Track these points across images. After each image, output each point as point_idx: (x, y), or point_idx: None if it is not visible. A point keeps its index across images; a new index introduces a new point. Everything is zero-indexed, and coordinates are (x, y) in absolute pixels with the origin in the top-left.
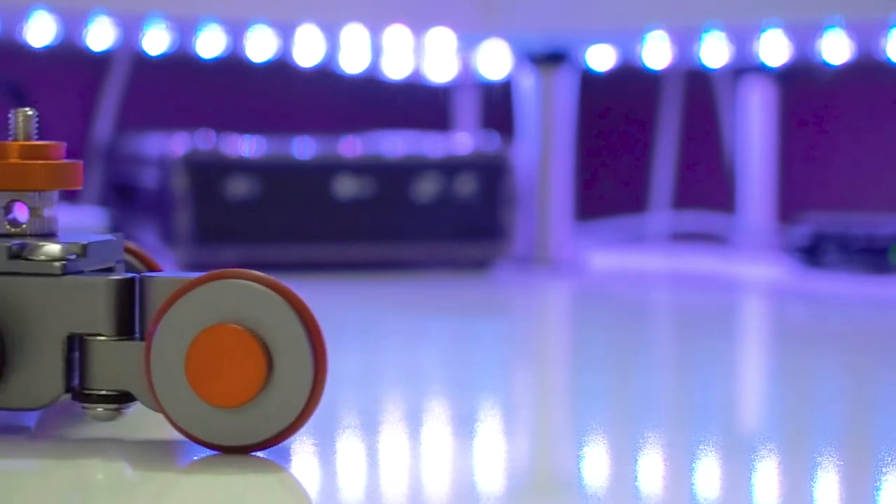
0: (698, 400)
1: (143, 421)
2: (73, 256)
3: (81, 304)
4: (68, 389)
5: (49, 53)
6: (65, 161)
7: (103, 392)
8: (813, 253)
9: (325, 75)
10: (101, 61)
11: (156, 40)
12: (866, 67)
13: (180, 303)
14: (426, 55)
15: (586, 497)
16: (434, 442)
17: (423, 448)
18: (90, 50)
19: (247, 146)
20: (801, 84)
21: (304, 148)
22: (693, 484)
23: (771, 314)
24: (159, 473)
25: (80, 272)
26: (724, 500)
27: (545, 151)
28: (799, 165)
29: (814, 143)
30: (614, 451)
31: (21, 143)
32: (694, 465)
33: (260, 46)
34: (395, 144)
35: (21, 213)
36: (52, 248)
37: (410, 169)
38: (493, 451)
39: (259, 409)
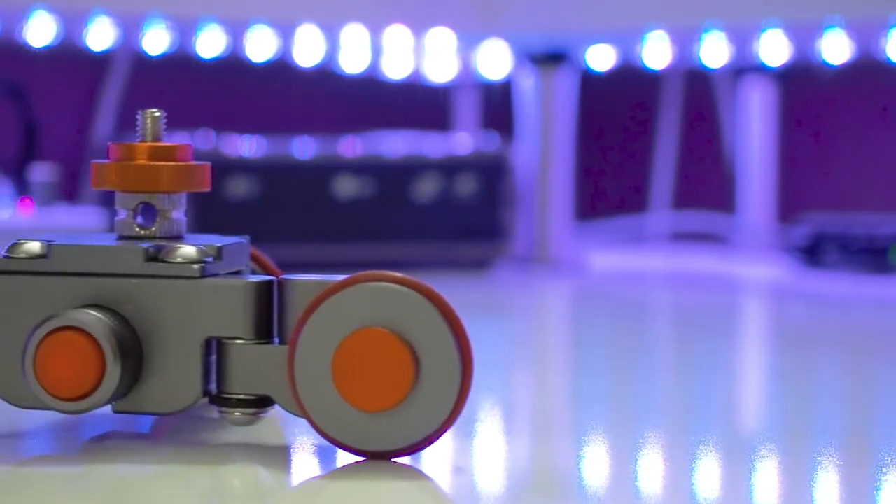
0: (698, 400)
1: (279, 426)
2: (209, 259)
3: (220, 307)
4: (205, 393)
5: (49, 53)
6: (193, 163)
7: (241, 396)
8: (813, 253)
9: (325, 75)
10: (101, 61)
11: (156, 40)
12: (866, 67)
13: (325, 306)
14: (426, 55)
15: (586, 497)
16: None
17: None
18: (90, 50)
19: (247, 146)
20: (801, 84)
21: (304, 148)
22: (693, 484)
23: (771, 314)
24: (300, 480)
25: (216, 275)
26: (724, 501)
27: (545, 151)
28: (799, 165)
29: (814, 143)
30: (614, 452)
31: (149, 144)
32: (694, 465)
33: (260, 46)
34: (395, 144)
35: (149, 215)
36: (189, 251)
37: (410, 169)
38: (494, 451)
39: (405, 413)
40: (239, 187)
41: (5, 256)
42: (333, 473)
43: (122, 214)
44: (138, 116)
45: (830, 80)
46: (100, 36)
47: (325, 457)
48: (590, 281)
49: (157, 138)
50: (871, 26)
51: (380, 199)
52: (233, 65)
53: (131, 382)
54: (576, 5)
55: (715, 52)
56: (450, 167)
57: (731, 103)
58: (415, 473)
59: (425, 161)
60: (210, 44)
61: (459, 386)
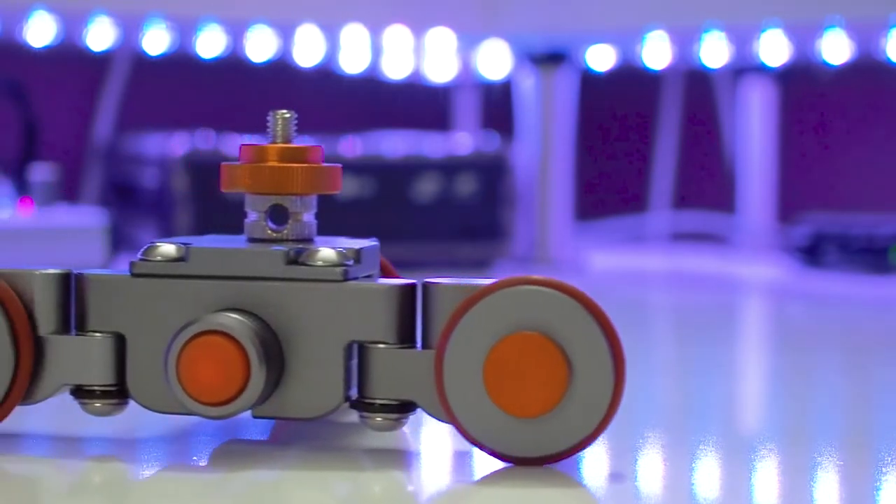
0: (698, 400)
1: (417, 431)
2: (350, 262)
3: (363, 310)
4: (346, 398)
5: (49, 53)
6: (324, 165)
7: (383, 401)
8: (813, 253)
9: (325, 75)
10: (101, 61)
11: (156, 40)
12: (866, 67)
13: (475, 310)
14: (426, 55)
15: (586, 498)
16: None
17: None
18: (90, 50)
19: None
20: (801, 84)
21: None
22: (693, 484)
23: (771, 314)
24: (444, 487)
25: (356, 278)
26: (724, 501)
27: (545, 151)
28: (799, 165)
29: (814, 143)
30: (613, 452)
31: (280, 145)
32: (694, 465)
33: (260, 46)
34: (395, 144)
35: (280, 217)
36: (330, 254)
37: (410, 169)
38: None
39: (557, 419)
40: None
41: (142, 259)
42: (481, 480)
43: (253, 217)
44: (269, 118)
45: (830, 80)
46: (100, 36)
47: (466, 462)
48: (590, 281)
49: (287, 139)
50: (871, 26)
51: (380, 199)
52: (233, 65)
53: (273, 387)
54: (576, 5)
55: (715, 52)
56: (450, 167)
57: (731, 103)
58: (568, 480)
59: (425, 161)
60: (210, 44)
61: (613, 389)
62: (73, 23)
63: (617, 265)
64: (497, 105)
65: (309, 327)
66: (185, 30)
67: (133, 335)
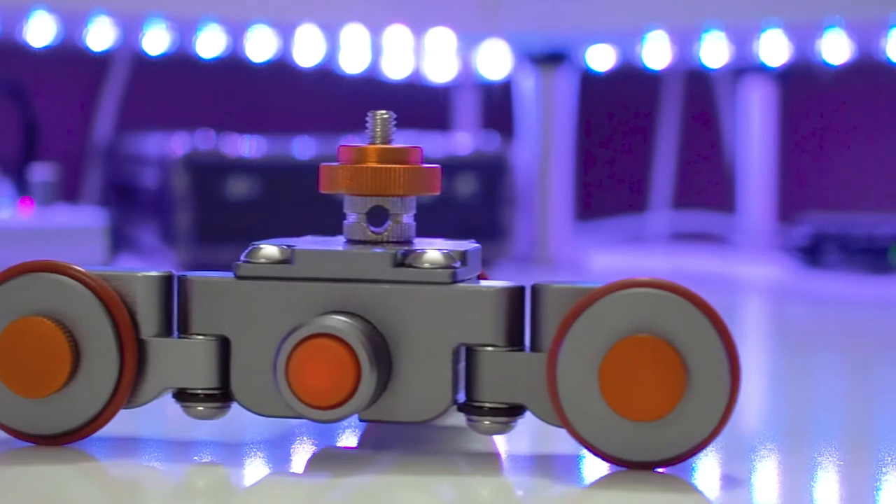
0: None
1: (521, 435)
2: (458, 264)
3: (473, 313)
4: (454, 402)
5: (49, 53)
6: (424, 165)
7: (492, 405)
8: (813, 253)
9: (325, 75)
10: (101, 61)
11: (156, 40)
12: (866, 67)
13: (589, 313)
14: (426, 55)
15: (583, 498)
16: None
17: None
18: (90, 50)
19: (247, 146)
20: (801, 84)
21: (304, 148)
22: (693, 484)
23: (771, 314)
24: (553, 491)
25: (462, 280)
26: (723, 500)
27: (545, 151)
28: (799, 165)
29: (814, 143)
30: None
31: (379, 146)
32: (694, 465)
33: (260, 46)
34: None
35: (380, 218)
36: (437, 256)
37: None
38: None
39: (672, 423)
40: (239, 187)
41: (246, 262)
42: (593, 484)
43: (353, 218)
44: (368, 118)
45: (830, 80)
46: (100, 36)
47: (574, 467)
48: (590, 281)
49: (386, 140)
50: (871, 26)
51: None
52: (233, 65)
53: (381, 390)
54: (576, 5)
55: (715, 52)
56: (450, 167)
57: (731, 103)
58: (683, 485)
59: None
60: (210, 44)
61: (729, 393)
62: (73, 23)
63: (617, 265)
64: (497, 105)
65: (417, 330)
66: (185, 30)
67: (238, 338)
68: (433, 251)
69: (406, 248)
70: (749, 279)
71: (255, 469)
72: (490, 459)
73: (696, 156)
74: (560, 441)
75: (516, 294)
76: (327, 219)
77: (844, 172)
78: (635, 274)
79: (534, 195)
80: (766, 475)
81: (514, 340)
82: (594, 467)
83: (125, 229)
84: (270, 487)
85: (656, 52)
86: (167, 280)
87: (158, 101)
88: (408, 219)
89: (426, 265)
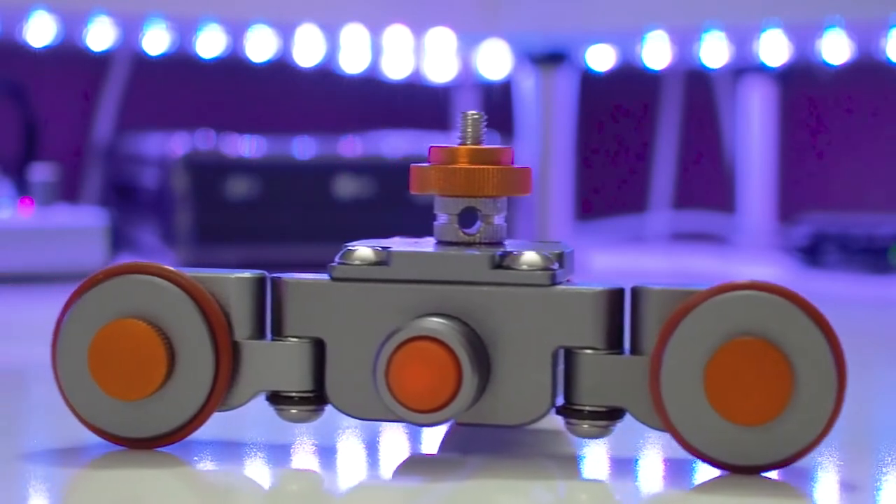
0: None
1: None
2: (556, 266)
3: (572, 315)
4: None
5: (49, 53)
6: (515, 166)
7: (592, 408)
8: (813, 253)
9: (325, 75)
10: (101, 61)
11: (156, 40)
12: (866, 67)
13: (694, 315)
14: (426, 55)
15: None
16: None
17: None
18: (90, 50)
19: (247, 146)
20: (801, 84)
21: (304, 148)
22: (693, 484)
23: None
24: (651, 496)
25: (561, 282)
26: (723, 500)
27: (545, 151)
28: (799, 165)
29: (814, 143)
30: (613, 452)
31: (470, 147)
32: (694, 464)
33: (260, 46)
34: (395, 144)
35: (470, 220)
36: (535, 258)
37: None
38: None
39: (779, 426)
40: (239, 187)
41: (341, 263)
42: (696, 489)
43: (444, 219)
44: (458, 119)
45: (830, 80)
46: (100, 36)
47: (672, 471)
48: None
49: (477, 141)
50: (871, 26)
51: (380, 199)
52: (233, 65)
53: (480, 394)
54: (576, 5)
55: (715, 52)
56: None
57: (731, 103)
58: (789, 489)
59: (425, 161)
60: (210, 44)
61: (835, 396)
62: (73, 23)
63: (617, 265)
64: (497, 105)
65: (515, 332)
66: (185, 30)
67: (333, 340)
68: (531, 253)
69: (502, 249)
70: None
71: (347, 474)
72: (579, 463)
73: (696, 156)
74: (650, 444)
75: (616, 296)
76: (327, 219)
77: (844, 172)
78: (636, 274)
79: (534, 195)
80: (766, 474)
81: (613, 343)
82: (694, 471)
83: (125, 229)
84: (365, 492)
85: (656, 52)
86: (260, 281)
87: (158, 101)
88: (499, 220)
89: (524, 267)
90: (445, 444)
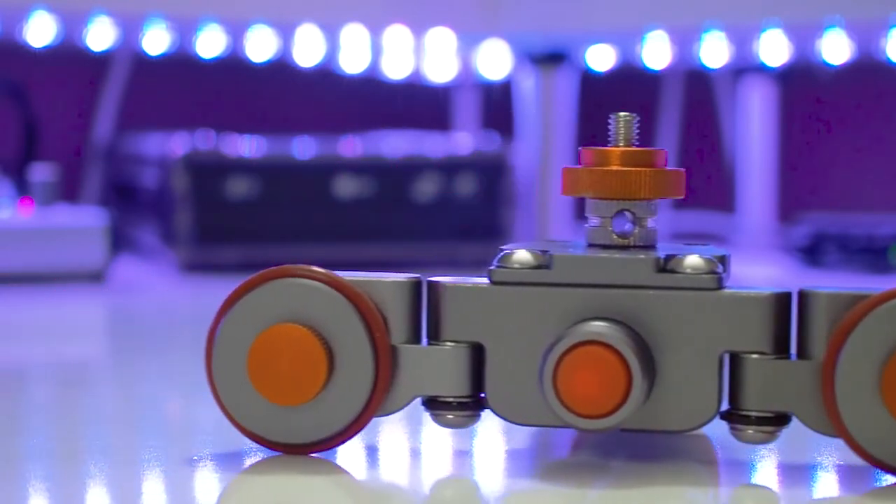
0: None
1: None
2: (720, 269)
3: (739, 319)
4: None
5: (49, 53)
6: (668, 168)
7: (759, 413)
8: (813, 253)
9: (325, 75)
10: (101, 61)
11: (156, 40)
12: (866, 67)
13: (869, 320)
14: (426, 55)
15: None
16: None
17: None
18: (90, 50)
19: (247, 146)
20: (801, 84)
21: (304, 148)
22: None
23: None
24: (828, 499)
25: (726, 286)
26: (723, 500)
27: (545, 151)
28: (799, 165)
29: (814, 143)
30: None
31: (624, 148)
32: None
33: (260, 46)
34: (395, 144)
35: (625, 223)
36: (698, 261)
37: (410, 169)
38: (492, 449)
39: None
40: (239, 187)
41: (500, 267)
42: (868, 494)
43: (596, 222)
44: (610, 120)
45: (830, 80)
46: (100, 36)
47: (837, 476)
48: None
49: (629, 142)
50: (871, 26)
51: (380, 199)
52: (233, 65)
53: (646, 399)
54: (576, 5)
55: (715, 52)
56: (450, 167)
57: (731, 103)
58: None
59: (425, 161)
60: (210, 44)
61: None
62: (73, 23)
63: None
64: (497, 105)
65: (681, 337)
66: (185, 30)
67: (494, 345)
68: (694, 256)
69: (665, 252)
70: (749, 279)
71: (498, 480)
72: (730, 468)
73: (696, 156)
74: (821, 449)
75: (784, 300)
76: (327, 218)
77: (844, 172)
78: None
79: (534, 195)
80: (766, 474)
81: (781, 347)
82: (868, 477)
83: (125, 229)
84: (519, 498)
85: (656, 52)
86: (416, 285)
87: (158, 101)
88: (652, 223)
89: (689, 270)
90: (576, 447)
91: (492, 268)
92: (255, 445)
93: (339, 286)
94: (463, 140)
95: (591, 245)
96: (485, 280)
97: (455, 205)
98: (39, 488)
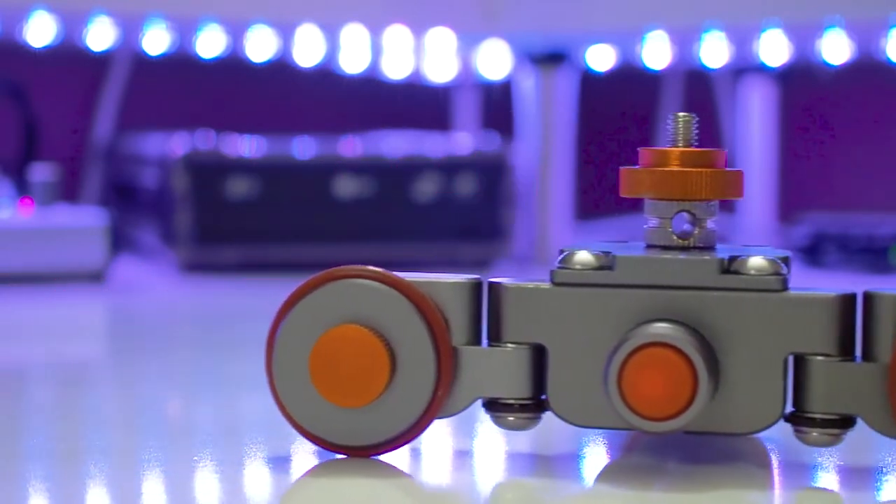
0: None
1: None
2: (784, 270)
3: (804, 321)
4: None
5: (49, 53)
6: (727, 169)
7: (823, 416)
8: (813, 253)
9: (325, 75)
10: (101, 61)
11: (156, 40)
12: (866, 67)
13: None
14: (426, 55)
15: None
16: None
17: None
18: (90, 50)
19: (247, 146)
20: (801, 84)
21: (304, 148)
22: (691, 483)
23: None
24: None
25: (790, 288)
26: (722, 500)
27: (545, 151)
28: (799, 165)
29: (814, 142)
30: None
31: (683, 149)
32: (693, 465)
33: (260, 46)
34: (395, 144)
35: (685, 224)
36: (762, 262)
37: (410, 169)
38: (491, 449)
39: None
40: (239, 187)
41: (562, 268)
42: None
43: (655, 223)
44: (669, 120)
45: (830, 80)
46: (100, 36)
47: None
48: None
49: (689, 142)
50: (871, 26)
51: (380, 199)
52: (233, 65)
53: (711, 401)
54: (576, 5)
55: (715, 52)
56: (450, 167)
57: (731, 103)
58: None
59: (425, 161)
60: (210, 44)
61: None
62: (73, 23)
63: None
64: (497, 105)
65: (746, 339)
66: (185, 30)
67: (556, 347)
68: (758, 257)
69: (727, 253)
70: None
71: (557, 482)
72: (787, 470)
73: None
74: (863, 451)
75: (849, 301)
76: (327, 219)
77: (844, 172)
78: None
79: (534, 195)
80: (766, 474)
81: (845, 350)
82: None
83: (125, 229)
84: (579, 501)
85: (656, 52)
86: (477, 286)
87: (158, 101)
88: (712, 224)
89: (753, 272)
90: (628, 451)
91: (554, 269)
92: (260, 446)
93: (400, 287)
94: (463, 140)
95: (650, 246)
96: (546, 281)
97: (455, 205)
98: (39, 488)
